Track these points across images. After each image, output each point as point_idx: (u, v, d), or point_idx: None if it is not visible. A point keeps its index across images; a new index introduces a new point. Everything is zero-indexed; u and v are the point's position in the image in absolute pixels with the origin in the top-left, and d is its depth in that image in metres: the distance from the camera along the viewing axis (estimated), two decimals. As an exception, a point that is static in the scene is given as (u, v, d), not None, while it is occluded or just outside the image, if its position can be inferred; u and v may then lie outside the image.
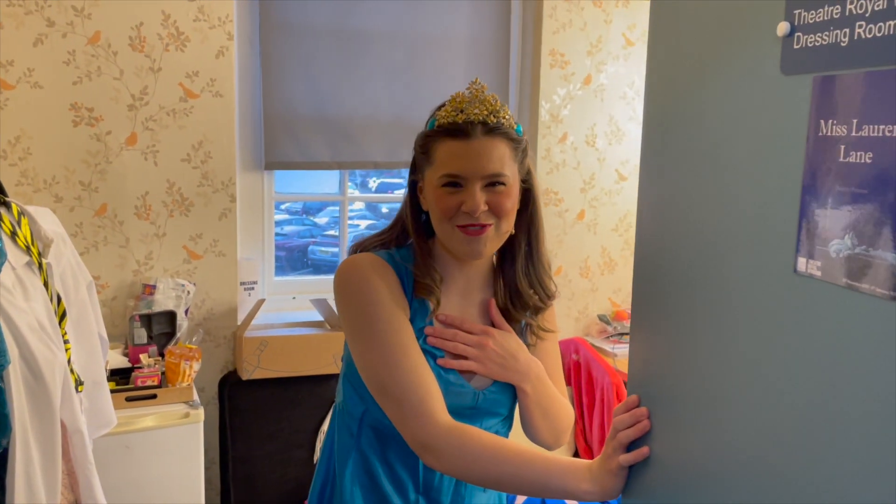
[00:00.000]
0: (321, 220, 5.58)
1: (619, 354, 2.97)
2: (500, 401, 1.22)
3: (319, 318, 2.77)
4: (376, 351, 1.10)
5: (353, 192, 3.16)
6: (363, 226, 5.68)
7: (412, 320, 1.16)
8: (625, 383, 2.72)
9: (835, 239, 0.69)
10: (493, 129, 1.12)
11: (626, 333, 3.10)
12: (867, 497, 0.66)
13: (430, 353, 1.16)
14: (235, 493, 2.58)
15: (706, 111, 0.85)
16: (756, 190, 0.78)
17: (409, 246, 1.22)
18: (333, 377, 2.65)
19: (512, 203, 1.15)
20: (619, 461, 0.98)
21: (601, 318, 3.17)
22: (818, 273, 0.70)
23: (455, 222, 1.12)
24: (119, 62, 2.43)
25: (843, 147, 0.68)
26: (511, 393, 1.23)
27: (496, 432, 1.22)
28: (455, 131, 1.12)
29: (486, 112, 1.12)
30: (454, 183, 1.12)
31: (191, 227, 2.59)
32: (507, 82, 3.05)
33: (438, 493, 1.20)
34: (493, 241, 1.15)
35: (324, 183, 3.28)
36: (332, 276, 2.97)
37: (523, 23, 3.07)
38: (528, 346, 1.26)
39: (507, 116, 1.15)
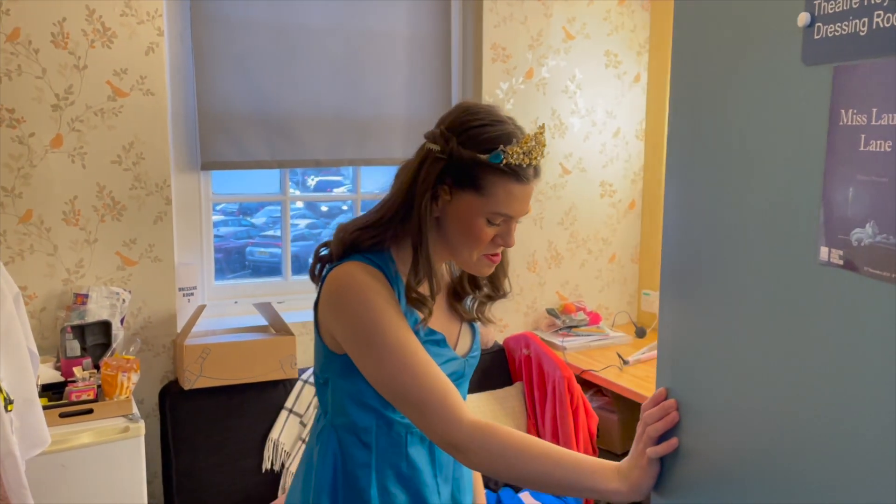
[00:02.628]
0: (258, 220, 5.45)
1: (569, 348, 2.98)
2: (475, 364, 1.35)
3: (264, 322, 2.69)
4: (391, 361, 1.12)
5: (293, 191, 3.08)
6: (303, 225, 5.58)
7: (404, 314, 1.19)
8: (576, 377, 2.74)
9: (856, 227, 0.69)
10: (539, 174, 1.21)
11: (575, 326, 3.12)
12: None
13: (434, 341, 1.23)
14: (180, 508, 2.48)
15: (730, 103, 0.86)
16: (780, 179, 0.79)
17: (386, 251, 1.23)
18: (280, 383, 2.58)
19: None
20: (649, 454, 0.99)
21: (550, 311, 3.17)
22: (840, 262, 0.71)
23: (484, 251, 1.20)
24: (41, 60, 2.30)
25: (863, 136, 0.68)
26: (479, 357, 1.37)
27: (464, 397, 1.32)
28: (519, 175, 1.16)
29: (538, 154, 1.18)
30: (502, 220, 1.19)
31: (124, 231, 2.48)
32: (449, 76, 3.02)
33: (447, 468, 1.31)
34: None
35: (261, 182, 3.19)
36: (273, 279, 2.92)
37: (464, 16, 3.05)
38: (475, 320, 1.36)
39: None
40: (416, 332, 1.18)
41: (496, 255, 1.22)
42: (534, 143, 1.17)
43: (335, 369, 1.22)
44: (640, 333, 3.23)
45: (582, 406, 2.64)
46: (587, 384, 2.87)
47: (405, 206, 1.19)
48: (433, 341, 1.23)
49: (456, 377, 1.26)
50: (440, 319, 1.29)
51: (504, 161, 1.14)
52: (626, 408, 2.95)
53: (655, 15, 3.31)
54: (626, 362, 2.82)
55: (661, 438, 1.00)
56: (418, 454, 1.25)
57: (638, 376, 2.72)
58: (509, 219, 1.19)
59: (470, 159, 1.16)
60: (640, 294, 3.48)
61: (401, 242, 1.23)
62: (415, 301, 1.19)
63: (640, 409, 1.04)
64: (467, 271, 1.27)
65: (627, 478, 1.01)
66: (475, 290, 1.33)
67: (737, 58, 0.85)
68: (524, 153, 1.15)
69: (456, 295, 1.34)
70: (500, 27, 3.00)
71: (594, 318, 3.20)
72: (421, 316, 1.21)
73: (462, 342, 1.33)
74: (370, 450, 1.23)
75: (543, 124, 1.24)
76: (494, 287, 1.33)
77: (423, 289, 1.20)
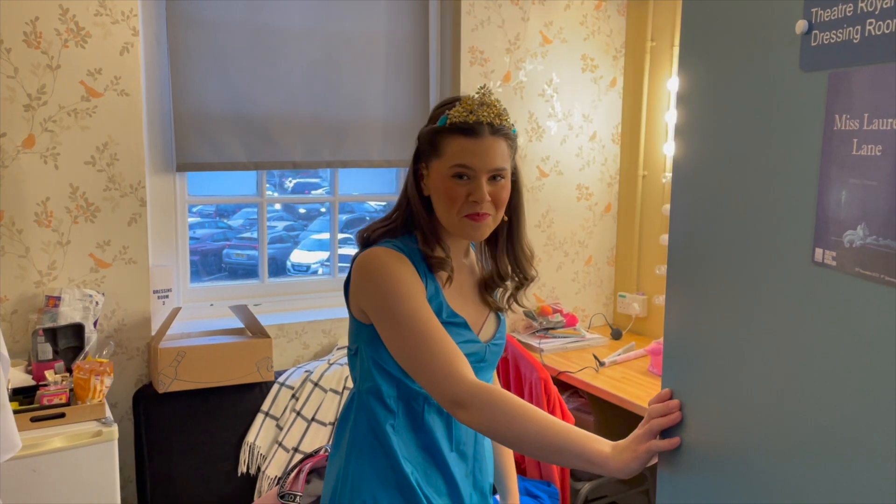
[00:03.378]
0: (235, 222, 5.41)
1: (546, 349, 3.00)
2: (498, 352, 1.44)
3: (240, 325, 2.68)
4: (404, 328, 1.23)
5: (270, 193, 3.06)
6: (280, 227, 5.54)
7: (430, 300, 1.30)
8: (553, 378, 2.75)
9: (848, 229, 0.72)
10: (497, 130, 1.30)
11: (552, 328, 3.13)
12: (887, 479, 0.69)
13: (455, 324, 1.33)
14: (155, 512, 2.45)
15: (733, 108, 0.89)
16: (778, 182, 0.81)
17: (409, 235, 1.37)
18: (256, 386, 2.56)
19: (507, 194, 1.33)
20: (652, 447, 1.02)
21: (527, 314, 3.19)
22: (833, 263, 0.74)
23: (463, 212, 1.29)
24: (13, 59, 2.26)
25: (855, 140, 0.71)
26: (504, 346, 1.46)
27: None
28: (466, 130, 1.29)
29: (493, 114, 1.30)
30: (462, 174, 1.29)
31: (98, 233, 2.45)
32: (427, 79, 3.02)
33: (466, 446, 1.41)
34: (490, 227, 1.33)
35: (238, 184, 3.17)
36: (250, 281, 2.89)
37: (441, 19, 3.05)
38: (501, 310, 1.46)
39: (507, 119, 1.33)
40: (439, 314, 1.30)
41: (477, 214, 1.29)
42: (477, 102, 1.30)
43: (363, 338, 1.35)
44: (616, 335, 3.25)
45: (558, 407, 2.65)
46: (564, 385, 2.89)
47: (407, 196, 1.38)
48: (454, 323, 1.33)
49: (476, 360, 1.36)
50: (467, 307, 1.40)
51: (449, 122, 1.30)
52: (602, 409, 2.97)
53: (631, 20, 3.34)
54: (601, 364, 2.84)
55: (665, 434, 1.03)
56: (435, 425, 1.36)
57: (614, 378, 2.74)
58: (473, 173, 1.28)
59: (428, 132, 1.34)
60: (615, 296, 3.50)
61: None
62: (435, 264, 1.33)
63: (648, 403, 1.07)
64: (459, 237, 1.35)
65: (619, 455, 1.04)
66: (503, 280, 1.43)
67: (739, 63, 0.87)
68: (468, 112, 1.29)
69: (487, 287, 1.44)
70: (478, 30, 3.01)
71: (571, 320, 3.21)
72: (440, 281, 1.34)
73: (487, 329, 1.43)
74: (394, 414, 1.34)
75: (484, 84, 1.36)
76: (520, 275, 1.43)
77: (439, 254, 1.34)
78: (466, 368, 1.19)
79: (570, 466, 1.12)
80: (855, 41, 0.70)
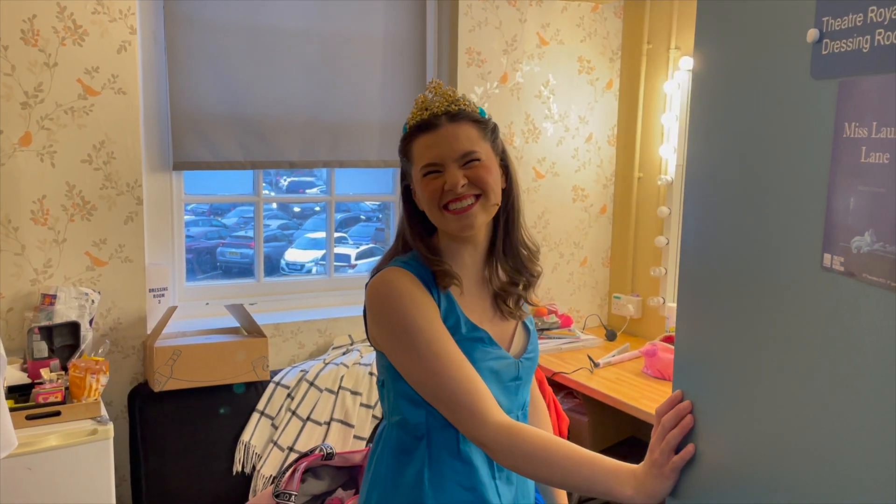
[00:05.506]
0: (229, 220, 5.40)
1: (541, 350, 3.00)
2: (531, 367, 1.36)
3: (235, 324, 2.68)
4: (423, 362, 1.18)
5: (266, 192, 3.06)
6: (274, 225, 5.54)
7: (445, 317, 1.24)
8: (548, 379, 2.76)
9: (856, 236, 0.72)
10: (456, 116, 1.26)
11: (547, 329, 3.14)
12: None
13: (478, 339, 1.26)
14: (149, 511, 2.45)
15: (743, 114, 0.89)
16: (788, 188, 0.82)
17: (413, 251, 1.32)
18: (252, 385, 2.57)
19: (493, 177, 1.26)
20: (674, 463, 1.00)
21: (521, 314, 3.19)
22: (841, 268, 0.74)
23: (442, 202, 1.23)
24: (10, 57, 2.26)
25: (864, 148, 0.72)
26: (537, 359, 1.39)
27: (526, 402, 1.37)
28: (424, 126, 1.26)
29: (446, 103, 1.27)
30: (434, 170, 1.24)
31: (94, 231, 2.45)
32: (424, 80, 3.03)
33: (508, 470, 1.31)
34: (481, 215, 1.26)
35: (233, 182, 3.17)
36: (246, 280, 2.89)
37: (439, 20, 3.06)
38: (519, 317, 1.37)
39: (466, 103, 1.29)
40: (458, 329, 1.24)
41: (456, 198, 1.22)
42: (431, 95, 1.29)
43: (388, 369, 1.28)
44: (611, 336, 3.26)
45: (553, 408, 2.66)
46: (558, 386, 2.90)
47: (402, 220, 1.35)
48: (476, 338, 1.26)
49: (511, 378, 1.30)
50: (492, 321, 1.32)
51: (409, 127, 1.30)
52: (596, 410, 2.98)
53: (628, 22, 3.35)
54: (596, 365, 2.85)
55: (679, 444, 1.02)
56: (473, 452, 1.27)
57: (608, 379, 2.75)
58: (442, 165, 1.24)
59: (400, 146, 1.32)
60: (610, 297, 3.52)
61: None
62: (442, 277, 1.25)
63: (655, 412, 1.05)
64: (452, 232, 1.27)
65: (643, 484, 1.02)
66: (515, 286, 1.35)
67: (751, 69, 0.88)
68: (422, 109, 1.28)
69: (502, 297, 1.34)
70: (475, 31, 3.01)
71: (566, 321, 3.22)
72: (455, 294, 1.27)
73: (517, 343, 1.36)
74: (423, 446, 1.26)
75: (433, 78, 1.35)
76: (526, 274, 1.36)
77: (443, 266, 1.27)
78: (489, 406, 1.15)
79: (599, 497, 1.12)
80: (865, 50, 0.71)
